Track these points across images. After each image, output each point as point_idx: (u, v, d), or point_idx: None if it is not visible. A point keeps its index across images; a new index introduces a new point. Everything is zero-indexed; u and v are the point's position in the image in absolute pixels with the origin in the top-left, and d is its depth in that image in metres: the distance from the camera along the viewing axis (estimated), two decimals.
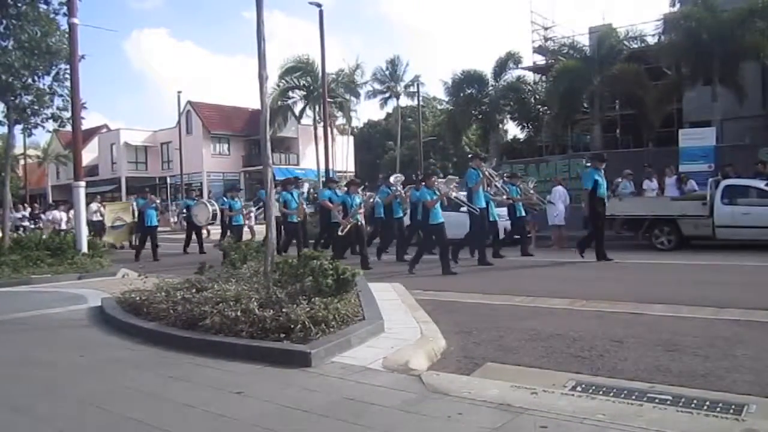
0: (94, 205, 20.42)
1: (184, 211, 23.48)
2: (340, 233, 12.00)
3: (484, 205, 11.81)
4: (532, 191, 14.36)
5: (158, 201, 18.98)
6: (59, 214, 20.91)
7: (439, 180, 11.87)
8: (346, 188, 13.65)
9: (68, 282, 10.77)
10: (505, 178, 14.17)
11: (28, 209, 24.91)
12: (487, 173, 12.38)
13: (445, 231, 10.85)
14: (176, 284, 7.13)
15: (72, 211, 20.51)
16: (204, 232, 19.94)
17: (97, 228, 19.93)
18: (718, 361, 4.60)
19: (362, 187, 15.90)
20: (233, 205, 15.11)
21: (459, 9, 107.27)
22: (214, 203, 18.15)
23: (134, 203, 19.95)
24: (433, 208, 10.71)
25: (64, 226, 20.13)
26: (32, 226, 22.00)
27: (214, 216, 17.37)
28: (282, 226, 13.44)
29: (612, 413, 3.40)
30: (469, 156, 14.63)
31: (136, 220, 19.25)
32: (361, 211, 12.29)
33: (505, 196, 13.41)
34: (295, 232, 13.38)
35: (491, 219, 12.60)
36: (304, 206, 13.87)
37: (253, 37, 6.30)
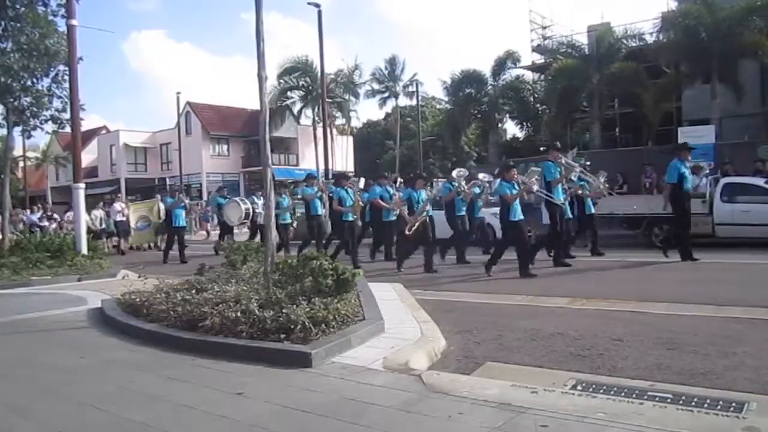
0: (117, 205, 19.92)
1: (208, 210, 22.58)
2: (407, 232, 11.05)
3: (562, 199, 10.95)
4: (603, 185, 12.80)
5: (187, 200, 18.00)
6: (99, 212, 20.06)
7: (522, 172, 10.88)
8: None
9: (68, 284, 10.76)
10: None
11: (40, 210, 23.83)
12: (565, 164, 11.19)
13: (524, 229, 10.18)
14: (176, 285, 7.13)
15: (95, 211, 19.99)
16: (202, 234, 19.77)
17: (121, 229, 19.59)
18: (718, 359, 4.59)
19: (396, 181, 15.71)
20: (281, 203, 13.92)
21: (457, 8, 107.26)
22: (247, 201, 16.92)
23: (160, 202, 19.44)
24: (513, 204, 9.84)
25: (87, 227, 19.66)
26: (51, 227, 21.03)
27: (247, 215, 16.28)
28: (333, 225, 13.25)
29: (612, 412, 3.39)
30: (543, 149, 13.43)
31: (161, 220, 18.77)
32: (428, 207, 11.45)
33: (579, 191, 12.12)
34: (351, 230, 12.51)
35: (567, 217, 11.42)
36: (361, 202, 13.06)
37: (251, 38, 6.30)
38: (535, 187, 10.44)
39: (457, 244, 12.27)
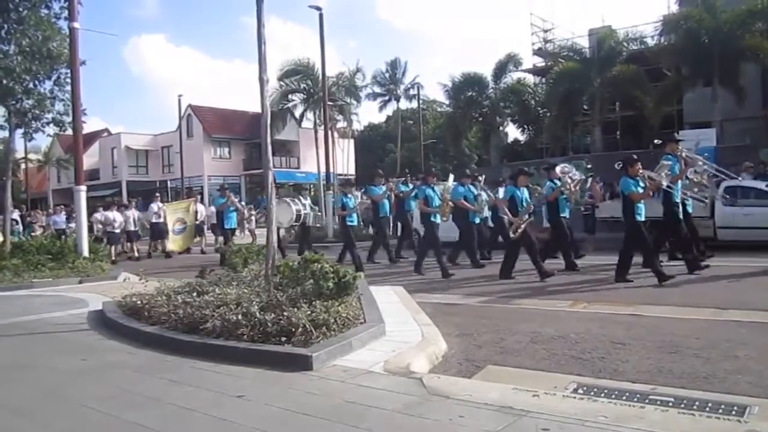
0: (154, 206, 18.87)
1: (253, 212, 21.56)
2: (513, 235, 9.89)
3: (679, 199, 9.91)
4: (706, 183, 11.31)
5: (240, 202, 16.87)
6: (112, 215, 18.30)
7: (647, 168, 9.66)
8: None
9: (69, 286, 10.76)
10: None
11: (62, 211, 21.99)
12: (686, 157, 10.19)
13: (644, 230, 9.05)
14: (177, 288, 7.12)
15: (130, 211, 18.90)
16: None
17: (157, 231, 18.54)
18: (719, 363, 4.59)
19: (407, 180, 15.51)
20: (347, 203, 12.76)
21: (457, 12, 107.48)
22: (298, 201, 15.68)
23: (196, 203, 18.78)
24: (638, 203, 8.90)
25: (117, 229, 18.03)
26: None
27: (298, 218, 15.13)
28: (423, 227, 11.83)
29: (614, 415, 3.39)
30: (657, 143, 11.14)
31: (198, 222, 18.27)
32: (531, 209, 10.31)
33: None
34: (434, 233, 11.24)
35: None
36: (450, 202, 11.74)
37: (251, 42, 6.31)
38: (665, 183, 9.44)
39: (564, 249, 10.91)
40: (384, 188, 13.38)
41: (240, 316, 5.40)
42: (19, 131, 14.10)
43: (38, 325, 7.10)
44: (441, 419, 3.46)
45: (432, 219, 11.22)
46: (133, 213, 19.03)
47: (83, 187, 13.67)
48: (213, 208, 16.87)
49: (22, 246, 13.27)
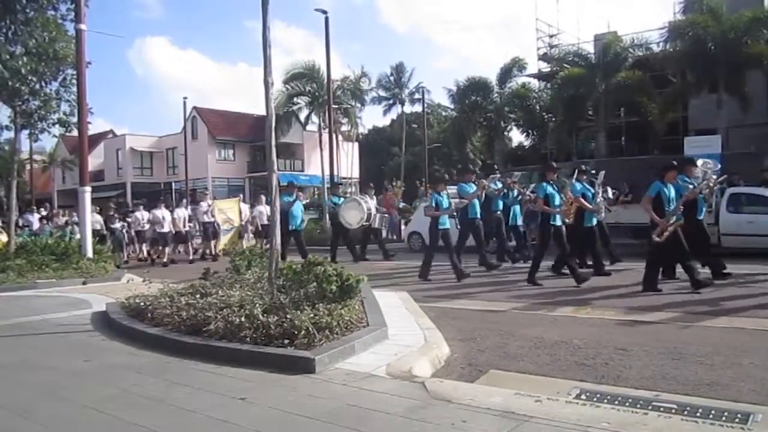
0: (204, 204, 17.62)
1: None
2: (657, 238, 8.52)
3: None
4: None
5: (305, 199, 16.10)
6: (160, 213, 17.10)
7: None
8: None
9: (73, 287, 10.79)
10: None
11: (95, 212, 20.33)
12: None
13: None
14: (180, 289, 7.14)
15: (180, 210, 17.78)
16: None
17: (209, 231, 17.40)
18: (723, 370, 4.57)
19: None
20: (440, 202, 11.02)
21: (462, 17, 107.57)
22: (366, 199, 14.67)
23: (242, 203, 18.06)
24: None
25: (166, 228, 16.86)
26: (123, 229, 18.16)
27: (369, 217, 14.14)
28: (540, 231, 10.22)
29: (616, 421, 3.38)
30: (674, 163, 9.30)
31: (243, 222, 17.69)
32: (681, 208, 8.73)
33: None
34: (560, 235, 9.83)
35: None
36: (580, 201, 10.59)
37: (254, 45, 6.39)
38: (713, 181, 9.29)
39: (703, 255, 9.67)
40: (475, 186, 11.96)
41: (243, 319, 5.41)
42: (25, 132, 14.17)
43: (41, 325, 7.12)
44: (443, 423, 3.46)
45: (551, 221, 9.73)
46: (183, 212, 17.80)
47: (88, 188, 13.72)
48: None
49: (26, 246, 13.31)
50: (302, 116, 41.93)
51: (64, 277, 11.38)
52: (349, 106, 41.42)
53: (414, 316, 6.71)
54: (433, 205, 10.92)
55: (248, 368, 4.74)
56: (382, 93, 48.36)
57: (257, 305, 5.70)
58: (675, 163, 9.25)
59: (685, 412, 3.62)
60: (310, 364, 4.58)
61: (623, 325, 6.38)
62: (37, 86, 13.02)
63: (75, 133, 14.24)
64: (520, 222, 13.38)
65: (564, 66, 29.20)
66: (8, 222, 14.10)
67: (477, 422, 3.45)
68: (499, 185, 12.83)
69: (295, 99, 39.88)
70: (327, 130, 28.39)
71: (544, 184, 9.90)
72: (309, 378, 4.45)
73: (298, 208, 13.71)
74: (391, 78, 48.35)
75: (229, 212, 17.41)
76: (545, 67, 32.98)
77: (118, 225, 17.78)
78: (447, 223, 11.11)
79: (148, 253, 17.70)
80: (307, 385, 4.29)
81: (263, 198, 18.61)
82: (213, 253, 17.18)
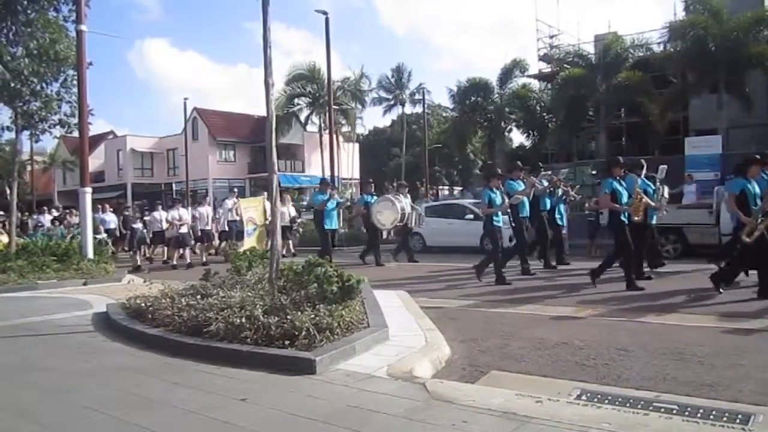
0: (229, 202, 16.96)
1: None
2: (746, 239, 7.74)
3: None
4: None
5: (341, 199, 14.65)
6: (178, 213, 16.26)
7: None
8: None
9: (74, 287, 10.80)
10: None
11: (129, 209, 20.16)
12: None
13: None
14: (181, 290, 7.14)
15: (203, 208, 17.19)
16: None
17: (233, 231, 16.68)
18: (724, 371, 4.57)
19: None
20: (493, 199, 10.26)
21: (460, 18, 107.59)
22: (402, 198, 13.85)
23: (266, 201, 17.25)
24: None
25: (185, 228, 16.15)
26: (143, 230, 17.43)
27: (402, 217, 13.47)
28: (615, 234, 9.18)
29: (617, 422, 3.38)
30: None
31: (267, 222, 16.22)
32: None
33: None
34: (627, 237, 8.95)
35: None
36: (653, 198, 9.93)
37: (254, 47, 6.42)
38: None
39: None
40: (524, 184, 11.32)
41: (244, 319, 5.41)
42: (26, 132, 14.18)
43: (42, 326, 7.12)
44: (444, 425, 3.45)
45: (621, 218, 9.04)
46: (206, 210, 17.17)
47: (89, 189, 13.72)
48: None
49: (27, 247, 13.32)
50: (303, 117, 42.01)
51: (65, 278, 11.38)
52: (349, 107, 41.45)
53: (415, 317, 6.71)
54: (486, 202, 10.28)
55: (249, 369, 4.74)
56: (383, 94, 48.37)
57: (258, 306, 5.69)
58: (758, 156, 8.40)
59: (686, 413, 3.62)
60: (311, 365, 4.58)
61: (624, 325, 6.37)
62: (38, 87, 13.03)
63: (76, 134, 14.24)
64: (564, 222, 12.78)
65: (564, 66, 29.23)
66: (10, 223, 14.09)
67: (478, 423, 3.45)
68: (546, 183, 12.12)
69: (295, 100, 39.98)
70: (327, 131, 28.40)
71: (611, 179, 9.25)
72: (310, 379, 4.45)
73: (333, 207, 13.04)
74: (392, 79, 48.35)
75: (252, 212, 16.40)
76: (546, 67, 33.03)
77: (139, 225, 17.19)
78: (501, 220, 10.51)
79: (167, 254, 16.86)
80: (307, 386, 4.29)
81: (288, 198, 18.50)
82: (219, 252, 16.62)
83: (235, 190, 19.02)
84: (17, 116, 13.12)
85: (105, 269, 12.46)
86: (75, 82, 13.31)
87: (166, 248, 16.86)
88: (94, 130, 17.30)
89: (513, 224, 11.24)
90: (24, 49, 12.63)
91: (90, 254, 13.14)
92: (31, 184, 46.88)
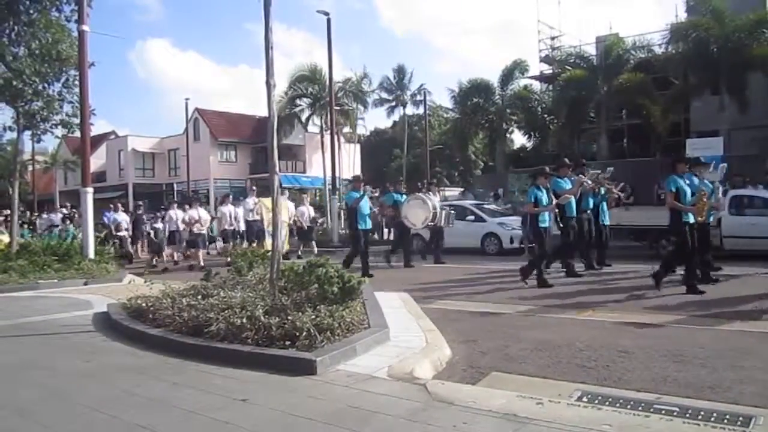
0: (251, 201, 16.04)
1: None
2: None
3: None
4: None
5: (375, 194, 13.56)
6: (196, 213, 15.59)
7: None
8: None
9: (74, 287, 10.80)
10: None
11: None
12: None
13: None
14: (182, 291, 7.14)
15: (226, 207, 16.39)
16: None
17: (255, 231, 15.80)
18: (725, 373, 4.56)
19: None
20: (539, 198, 9.71)
21: (460, 20, 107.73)
22: (432, 197, 13.29)
23: (289, 201, 16.52)
24: None
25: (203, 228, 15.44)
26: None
27: (434, 216, 12.95)
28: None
29: (618, 424, 3.38)
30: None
31: (292, 222, 16.09)
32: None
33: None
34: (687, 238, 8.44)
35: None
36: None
37: (254, 48, 6.46)
38: None
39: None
40: (572, 182, 10.74)
41: (244, 320, 5.41)
42: (27, 132, 14.20)
43: (43, 326, 7.13)
44: (445, 426, 3.45)
45: (684, 218, 8.52)
46: (230, 209, 16.36)
47: (90, 189, 13.74)
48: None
49: (29, 247, 13.33)
50: (304, 118, 42.00)
51: (66, 278, 11.39)
52: (350, 108, 41.46)
53: (415, 318, 6.71)
54: (532, 200, 9.71)
55: (249, 369, 4.74)
56: (384, 95, 48.37)
57: (259, 306, 5.70)
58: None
59: (687, 415, 3.61)
60: (312, 365, 4.58)
61: (625, 327, 6.36)
62: (40, 87, 13.06)
63: (77, 134, 14.25)
64: (607, 222, 12.12)
65: (566, 68, 29.20)
66: (11, 222, 14.11)
67: (478, 424, 3.45)
68: (590, 182, 11.50)
69: (297, 101, 39.96)
70: (329, 131, 28.41)
71: (675, 176, 8.69)
72: (310, 379, 4.45)
73: (366, 206, 12.17)
74: (393, 80, 48.35)
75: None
76: (547, 69, 32.99)
77: (160, 225, 16.26)
78: (547, 220, 9.86)
79: (184, 255, 16.43)
80: (308, 387, 4.29)
81: (306, 198, 18.07)
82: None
83: (254, 188, 17.93)
84: (19, 116, 13.14)
85: (106, 269, 12.48)
86: (77, 82, 13.33)
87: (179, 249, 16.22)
88: (95, 130, 17.31)
89: (560, 225, 10.70)
90: (26, 49, 12.65)
91: (91, 254, 13.15)
92: (32, 184, 46.91)
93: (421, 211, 12.86)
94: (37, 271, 11.61)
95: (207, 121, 46.58)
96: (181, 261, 16.19)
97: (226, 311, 5.75)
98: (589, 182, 11.18)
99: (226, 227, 16.03)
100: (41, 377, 4.89)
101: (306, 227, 16.82)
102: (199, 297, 6.59)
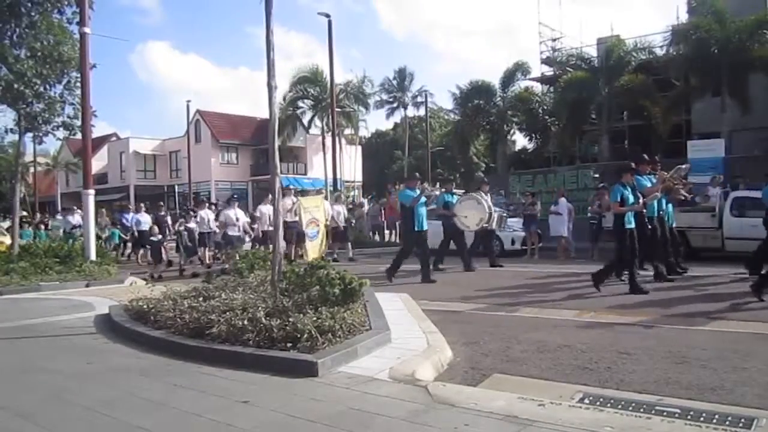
0: (288, 201, 14.66)
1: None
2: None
3: None
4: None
5: (435, 193, 12.66)
6: (233, 213, 14.59)
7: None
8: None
9: (76, 289, 10.80)
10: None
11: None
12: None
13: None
14: (183, 292, 7.15)
15: (265, 206, 14.95)
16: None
17: (294, 231, 14.63)
18: (727, 374, 4.56)
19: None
20: (626, 197, 8.94)
21: (460, 22, 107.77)
22: (485, 197, 12.49)
23: (326, 201, 15.75)
24: None
25: (239, 230, 14.43)
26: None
27: (490, 217, 12.31)
28: None
29: (620, 426, 3.37)
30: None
31: (328, 221, 15.17)
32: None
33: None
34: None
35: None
36: None
37: (255, 50, 6.46)
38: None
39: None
40: (655, 180, 10.00)
41: (246, 322, 5.41)
42: (29, 135, 14.21)
43: (45, 328, 7.13)
44: (446, 427, 3.45)
45: (627, 225, 8.61)
46: (268, 209, 14.66)
47: (92, 191, 13.75)
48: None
49: (30, 249, 13.34)
50: (305, 120, 42.06)
51: (68, 280, 11.39)
52: (352, 110, 41.50)
53: (417, 320, 6.70)
54: (618, 199, 8.90)
55: (251, 371, 4.74)
56: (386, 97, 48.43)
57: (260, 308, 5.70)
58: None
59: (689, 417, 3.61)
60: (313, 367, 4.58)
61: (626, 329, 6.36)
62: (42, 89, 13.07)
63: (79, 136, 14.27)
64: (674, 223, 11.42)
65: (567, 69, 29.24)
66: (12, 224, 14.13)
67: (480, 426, 3.45)
68: (676, 179, 10.71)
69: (298, 103, 40.03)
70: (330, 133, 28.44)
71: (619, 186, 8.76)
72: (312, 381, 4.45)
73: (423, 205, 11.35)
74: (394, 82, 48.42)
75: (314, 212, 14.62)
76: (548, 70, 33.02)
77: (193, 224, 14.90)
78: (633, 221, 8.97)
79: (214, 257, 15.64)
80: (309, 389, 4.29)
81: (342, 197, 17.46)
82: (293, 259, 13.77)
83: (291, 188, 17.01)
84: (21, 118, 13.15)
85: (107, 271, 12.48)
86: (78, 84, 13.35)
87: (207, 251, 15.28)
88: (96, 132, 17.32)
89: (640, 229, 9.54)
90: (28, 51, 12.67)
91: (93, 256, 13.16)
92: (34, 185, 46.97)
93: (475, 211, 12.14)
94: (38, 273, 11.61)
95: (208, 122, 46.66)
96: (213, 264, 15.11)
97: (227, 313, 5.76)
98: (676, 180, 10.48)
99: (265, 228, 14.63)
100: (43, 379, 4.89)
101: (342, 228, 16.18)
102: (201, 299, 6.59)
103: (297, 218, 14.56)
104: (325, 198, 17.94)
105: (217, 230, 15.00)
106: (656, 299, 8.16)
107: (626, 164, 9.65)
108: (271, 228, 13.75)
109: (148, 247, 15.11)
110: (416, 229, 10.98)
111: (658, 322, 6.60)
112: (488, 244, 13.42)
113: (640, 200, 9.19)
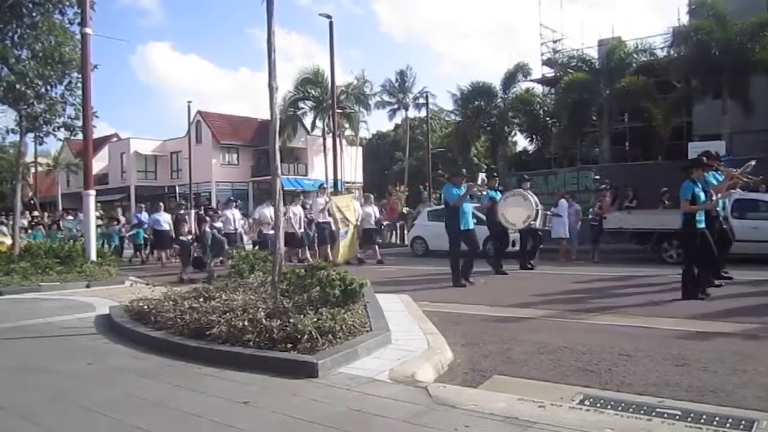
0: (321, 200, 14.73)
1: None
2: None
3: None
4: None
5: (484, 191, 11.94)
6: (269, 212, 14.08)
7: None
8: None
9: (76, 290, 10.80)
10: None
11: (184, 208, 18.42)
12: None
13: None
14: (184, 293, 7.14)
15: (296, 207, 15.01)
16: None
17: (325, 233, 14.59)
18: (728, 376, 4.55)
19: None
20: (696, 193, 8.38)
21: (460, 24, 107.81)
22: (531, 194, 11.95)
23: (355, 200, 15.30)
24: None
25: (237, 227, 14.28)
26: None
27: (536, 214, 11.73)
28: None
29: (620, 428, 3.37)
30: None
31: (358, 222, 14.95)
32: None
33: None
34: None
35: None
36: None
37: (255, 52, 6.50)
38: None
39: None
40: (723, 176, 9.55)
41: (246, 323, 5.41)
42: (30, 135, 14.23)
43: (45, 328, 7.13)
44: (446, 429, 3.45)
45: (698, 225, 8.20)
46: (298, 210, 14.97)
47: (92, 192, 13.75)
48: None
49: (31, 249, 13.35)
50: (306, 121, 42.15)
51: (68, 281, 11.38)
52: (353, 111, 41.56)
53: (417, 321, 6.70)
54: (689, 197, 8.31)
55: (251, 372, 4.74)
56: (386, 98, 48.50)
57: (260, 309, 5.70)
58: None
59: (689, 419, 3.60)
60: (313, 368, 4.58)
61: (627, 331, 6.36)
62: (43, 90, 13.09)
63: (80, 136, 14.28)
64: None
65: (568, 71, 29.21)
66: (13, 224, 14.13)
67: (480, 427, 3.44)
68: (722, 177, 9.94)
69: (299, 104, 40.09)
70: (331, 134, 28.45)
71: (689, 182, 8.36)
72: (312, 382, 4.44)
73: (468, 203, 10.94)
74: (396, 83, 48.49)
75: (345, 212, 14.36)
76: (549, 72, 33.00)
77: (219, 224, 14.67)
78: (704, 220, 8.41)
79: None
80: (309, 390, 4.28)
81: (371, 197, 16.81)
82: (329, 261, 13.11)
83: (325, 186, 16.60)
84: (22, 119, 13.17)
85: (108, 272, 12.48)
86: (79, 84, 13.36)
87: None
88: (97, 132, 17.35)
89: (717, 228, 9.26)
90: (29, 51, 12.68)
91: (93, 256, 13.17)
92: (35, 186, 47.00)
93: (522, 209, 11.60)
94: (39, 274, 11.61)
95: (209, 123, 46.71)
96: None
97: (227, 314, 5.75)
98: (745, 177, 10.02)
99: (296, 230, 14.47)
100: (43, 379, 4.89)
101: (373, 229, 15.80)
102: (201, 299, 6.59)
103: (330, 218, 14.37)
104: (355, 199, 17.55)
105: (243, 230, 14.65)
106: (656, 301, 8.15)
107: (698, 159, 9.10)
108: (294, 230, 14.27)
109: (176, 247, 14.72)
110: (462, 228, 10.50)
111: (658, 325, 6.60)
112: (535, 245, 12.88)
113: (712, 197, 8.68)
